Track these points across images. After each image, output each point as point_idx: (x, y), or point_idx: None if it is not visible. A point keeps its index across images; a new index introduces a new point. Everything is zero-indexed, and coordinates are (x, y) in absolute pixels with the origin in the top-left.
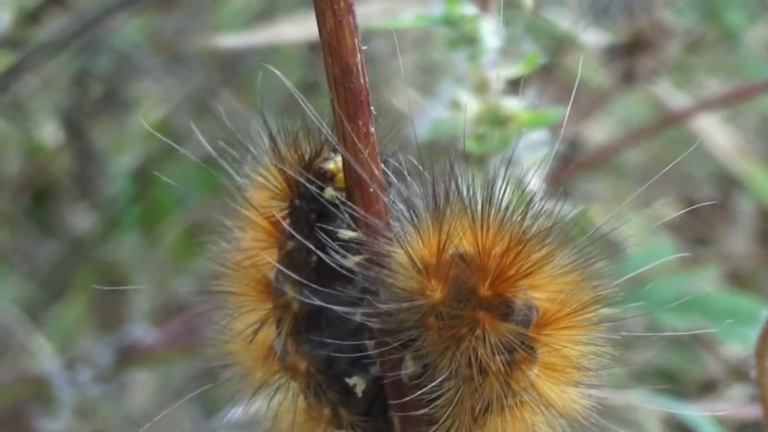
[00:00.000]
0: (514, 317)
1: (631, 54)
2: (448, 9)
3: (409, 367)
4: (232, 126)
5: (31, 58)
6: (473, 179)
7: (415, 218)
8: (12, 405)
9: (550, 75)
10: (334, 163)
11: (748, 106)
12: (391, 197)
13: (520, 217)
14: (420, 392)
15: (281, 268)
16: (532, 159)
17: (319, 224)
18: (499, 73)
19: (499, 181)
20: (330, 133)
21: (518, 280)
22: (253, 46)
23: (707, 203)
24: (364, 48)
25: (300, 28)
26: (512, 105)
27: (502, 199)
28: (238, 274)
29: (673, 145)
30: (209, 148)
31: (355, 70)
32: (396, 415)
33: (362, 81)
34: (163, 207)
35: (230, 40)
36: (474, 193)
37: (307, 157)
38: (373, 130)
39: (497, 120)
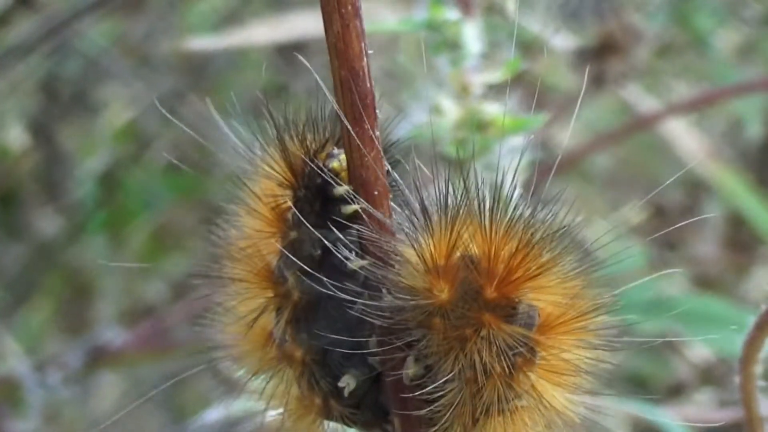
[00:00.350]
0: (518, 320)
1: (600, 57)
2: (431, 14)
3: (411, 368)
4: (198, 129)
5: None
6: (482, 182)
7: (425, 218)
8: None
9: (519, 78)
10: (338, 162)
11: (717, 110)
12: (400, 197)
13: (527, 221)
14: (421, 392)
15: (286, 252)
16: (512, 164)
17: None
18: (480, 79)
19: (507, 184)
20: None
21: (524, 283)
22: (221, 50)
23: (675, 208)
24: (370, 52)
25: (269, 31)
26: (493, 110)
27: (510, 203)
28: (240, 260)
29: (641, 149)
30: (224, 130)
31: (361, 73)
32: (396, 413)
33: (368, 84)
34: (130, 210)
35: (199, 43)
36: (483, 196)
37: (312, 150)
38: (378, 133)
39: (478, 125)
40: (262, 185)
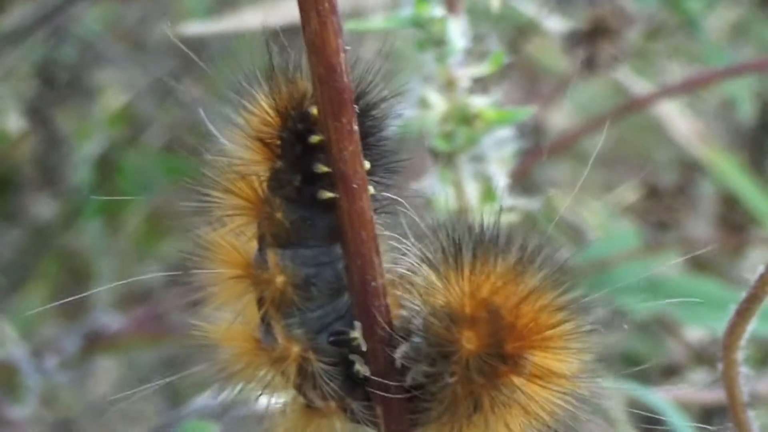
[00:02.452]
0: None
1: (592, 41)
2: (416, 10)
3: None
4: (193, 112)
5: None
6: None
7: (456, 263)
8: None
9: (513, 61)
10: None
11: (709, 92)
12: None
13: (550, 276)
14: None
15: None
16: (499, 155)
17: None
18: (466, 72)
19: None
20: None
21: (541, 342)
22: (217, 33)
23: (669, 188)
24: (347, 48)
25: (263, 16)
26: (479, 103)
27: (535, 255)
28: (231, 183)
29: (634, 130)
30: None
31: (338, 69)
32: (381, 411)
33: (345, 80)
34: (126, 194)
35: (194, 28)
36: (511, 245)
37: (298, 96)
38: (356, 127)
39: (464, 118)
40: (250, 122)
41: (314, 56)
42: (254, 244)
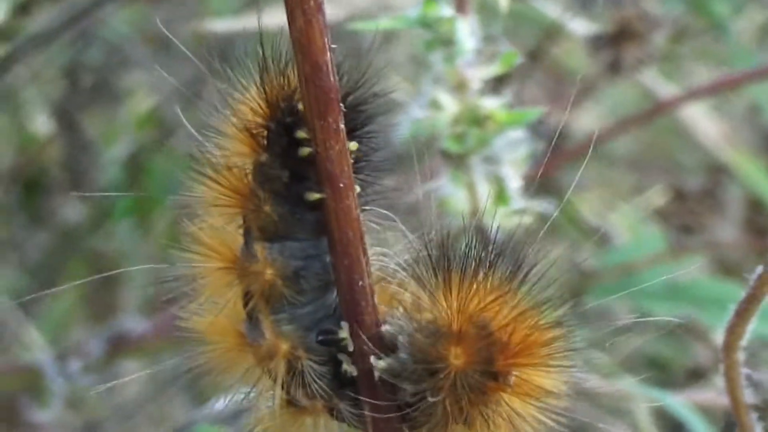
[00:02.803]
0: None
1: (617, 44)
2: (424, 10)
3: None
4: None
5: (21, 49)
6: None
7: (445, 277)
8: (4, 396)
9: (538, 63)
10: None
11: (736, 95)
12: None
13: (539, 292)
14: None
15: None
16: (511, 157)
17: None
18: (477, 73)
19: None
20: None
21: (531, 359)
22: (242, 34)
23: (695, 191)
24: (333, 47)
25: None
26: (490, 104)
27: (529, 272)
28: (218, 173)
29: (662, 133)
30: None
31: (324, 68)
32: (369, 415)
33: (332, 79)
34: (154, 196)
35: (219, 25)
36: (503, 260)
37: (288, 89)
38: (342, 126)
39: (476, 119)
40: (238, 111)
41: (300, 55)
42: (240, 238)
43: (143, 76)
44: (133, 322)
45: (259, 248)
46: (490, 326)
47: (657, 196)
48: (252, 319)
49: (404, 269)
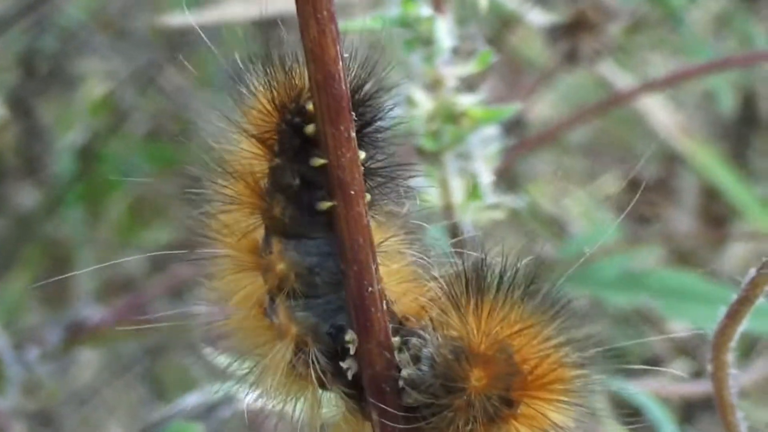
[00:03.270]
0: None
1: (574, 34)
2: (403, 10)
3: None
4: (175, 101)
5: None
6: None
7: (477, 303)
8: None
9: (496, 52)
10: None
11: (691, 84)
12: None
13: (565, 327)
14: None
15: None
16: (484, 153)
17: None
18: (452, 71)
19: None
20: None
21: (549, 393)
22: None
23: (651, 180)
24: (345, 56)
25: (246, 7)
26: (466, 101)
27: (562, 309)
28: (233, 175)
29: (617, 122)
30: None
31: (337, 77)
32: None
33: (344, 87)
34: (107, 183)
35: (176, 20)
36: (535, 291)
37: (295, 90)
38: (353, 134)
39: (451, 117)
40: (248, 116)
41: (313, 64)
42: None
43: (98, 63)
44: (90, 310)
45: (275, 242)
46: (515, 355)
47: (610, 183)
48: (270, 299)
49: (439, 284)
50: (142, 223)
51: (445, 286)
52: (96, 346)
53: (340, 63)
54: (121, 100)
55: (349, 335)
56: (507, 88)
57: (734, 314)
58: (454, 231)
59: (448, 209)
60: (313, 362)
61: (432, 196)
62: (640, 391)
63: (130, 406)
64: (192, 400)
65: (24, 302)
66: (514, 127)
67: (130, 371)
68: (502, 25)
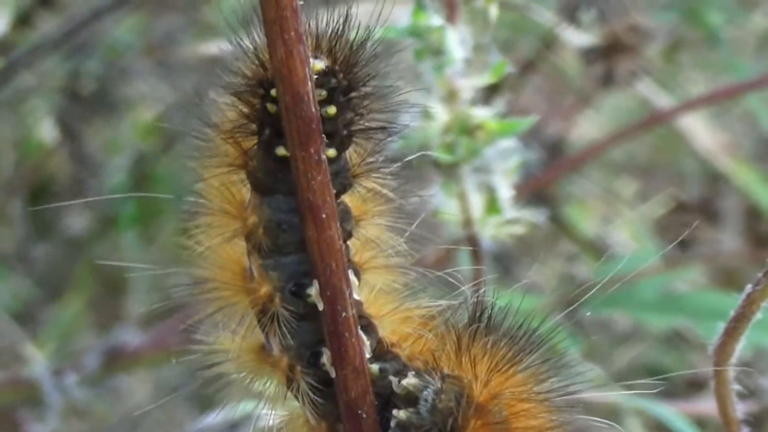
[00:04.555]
0: None
1: (609, 57)
2: (414, 20)
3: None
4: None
5: (24, 59)
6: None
7: (484, 355)
8: (4, 408)
9: (535, 71)
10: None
11: (732, 103)
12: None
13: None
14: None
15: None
16: (503, 167)
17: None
18: (467, 83)
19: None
20: None
21: None
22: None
23: (695, 201)
24: (316, 76)
25: None
26: (481, 114)
27: (557, 365)
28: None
29: (661, 142)
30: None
31: (306, 98)
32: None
33: (313, 109)
34: (158, 205)
35: (218, 47)
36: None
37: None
38: (324, 157)
39: (466, 129)
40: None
41: (281, 85)
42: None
43: (144, 87)
44: (130, 334)
45: (253, 198)
46: (513, 411)
47: (660, 205)
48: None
49: (448, 328)
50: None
51: (454, 332)
52: (136, 370)
53: (309, 84)
54: (169, 123)
55: (326, 357)
56: (548, 108)
57: (732, 331)
58: (473, 246)
59: (467, 224)
60: (282, 324)
61: (450, 210)
62: (679, 413)
63: (181, 426)
64: (213, 418)
65: (77, 327)
66: (554, 146)
67: (177, 392)
68: (542, 45)
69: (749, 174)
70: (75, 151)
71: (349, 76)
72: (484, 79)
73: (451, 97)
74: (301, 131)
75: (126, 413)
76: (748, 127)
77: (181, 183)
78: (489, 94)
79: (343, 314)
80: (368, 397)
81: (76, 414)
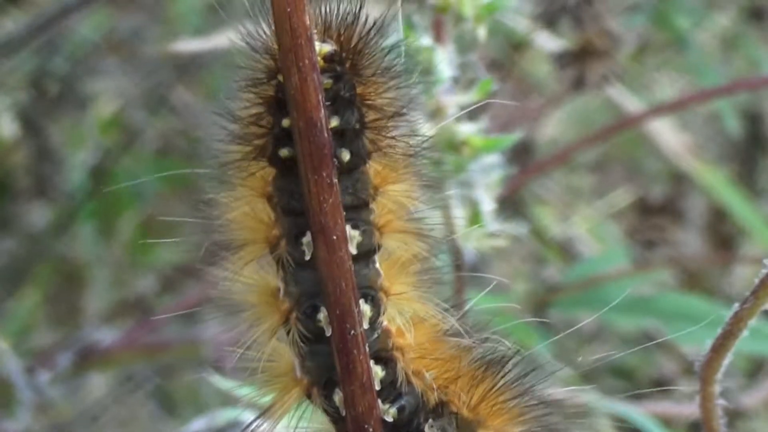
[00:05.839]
0: None
1: (581, 61)
2: (404, 39)
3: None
4: (185, 119)
5: None
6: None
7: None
8: None
9: (506, 75)
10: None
11: (698, 106)
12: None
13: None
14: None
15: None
16: (486, 181)
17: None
18: (453, 100)
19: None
20: None
21: None
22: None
23: (659, 202)
24: (328, 103)
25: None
26: (466, 130)
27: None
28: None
29: (624, 141)
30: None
31: (319, 124)
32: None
33: (326, 135)
34: (119, 202)
35: (184, 45)
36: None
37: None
38: (336, 180)
39: (452, 145)
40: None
41: (295, 111)
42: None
43: (107, 82)
44: (101, 333)
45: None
46: None
47: (618, 200)
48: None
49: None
50: (153, 240)
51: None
52: (107, 369)
53: (322, 111)
54: (130, 119)
55: (338, 395)
56: (516, 110)
57: (719, 348)
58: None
59: (450, 237)
60: (297, 341)
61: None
62: (646, 413)
63: (141, 424)
64: (199, 424)
65: (34, 321)
66: (522, 150)
67: (141, 389)
68: (512, 49)
69: (714, 175)
70: (38, 146)
71: (353, 56)
72: (471, 97)
73: (436, 113)
74: (314, 156)
75: (86, 409)
76: (713, 130)
77: (140, 178)
78: (473, 110)
79: (352, 332)
80: (375, 412)
81: (38, 409)
